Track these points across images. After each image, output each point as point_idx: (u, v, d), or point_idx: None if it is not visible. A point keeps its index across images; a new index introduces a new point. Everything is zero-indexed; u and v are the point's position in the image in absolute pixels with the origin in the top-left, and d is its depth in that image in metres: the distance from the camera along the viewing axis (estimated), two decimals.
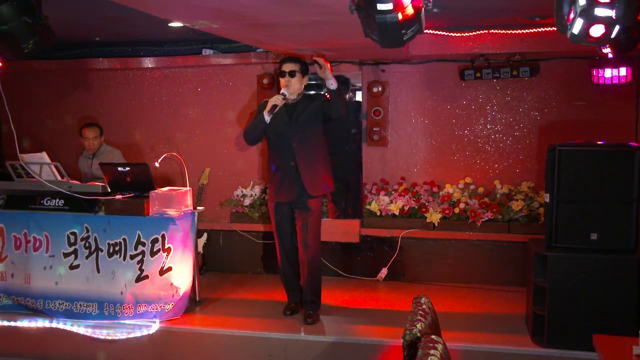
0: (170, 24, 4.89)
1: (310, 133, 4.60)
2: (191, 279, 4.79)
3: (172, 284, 4.64)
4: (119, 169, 4.92)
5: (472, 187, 5.77)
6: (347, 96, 6.29)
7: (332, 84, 4.44)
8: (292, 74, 4.54)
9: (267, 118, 4.51)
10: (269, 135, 4.68)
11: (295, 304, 4.86)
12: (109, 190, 4.95)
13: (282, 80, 4.58)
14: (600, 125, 5.55)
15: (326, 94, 4.48)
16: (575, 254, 4.02)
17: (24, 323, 4.68)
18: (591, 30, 2.62)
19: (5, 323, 4.69)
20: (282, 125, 4.59)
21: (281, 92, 4.54)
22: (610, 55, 3.95)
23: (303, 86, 4.67)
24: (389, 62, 5.94)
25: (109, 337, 4.44)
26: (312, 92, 5.51)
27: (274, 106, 4.46)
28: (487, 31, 5.19)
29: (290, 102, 4.62)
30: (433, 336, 2.13)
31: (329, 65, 4.44)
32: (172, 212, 4.68)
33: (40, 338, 4.61)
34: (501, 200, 5.60)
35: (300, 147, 4.57)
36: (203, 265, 5.99)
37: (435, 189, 5.86)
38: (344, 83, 6.00)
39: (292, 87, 4.56)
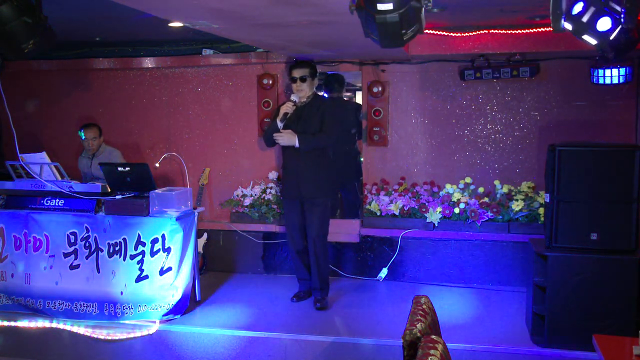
0: (170, 24, 4.89)
1: (314, 136, 4.86)
2: (191, 279, 4.79)
3: (172, 284, 4.64)
4: (119, 169, 4.92)
5: (472, 187, 5.76)
6: (345, 96, 6.32)
7: (296, 145, 4.80)
8: (302, 79, 4.87)
9: (280, 125, 4.84)
10: None
11: (304, 293, 5.14)
12: (109, 190, 4.96)
13: (294, 86, 4.90)
14: (600, 125, 5.55)
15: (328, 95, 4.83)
16: (575, 254, 4.02)
17: (24, 323, 4.69)
18: (598, 23, 2.64)
19: (5, 323, 4.70)
20: (291, 126, 4.87)
21: (291, 98, 4.85)
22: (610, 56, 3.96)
23: (314, 87, 4.98)
24: (389, 62, 5.94)
25: (109, 337, 4.44)
26: (322, 94, 5.65)
27: (285, 114, 4.80)
28: (487, 31, 5.19)
29: (300, 105, 4.90)
30: (433, 336, 2.13)
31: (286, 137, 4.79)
32: (172, 212, 4.68)
33: (40, 338, 4.60)
34: (501, 200, 5.60)
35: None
36: (203, 265, 5.99)
37: (435, 189, 5.86)
38: (338, 81, 6.09)
39: (303, 92, 4.89)
